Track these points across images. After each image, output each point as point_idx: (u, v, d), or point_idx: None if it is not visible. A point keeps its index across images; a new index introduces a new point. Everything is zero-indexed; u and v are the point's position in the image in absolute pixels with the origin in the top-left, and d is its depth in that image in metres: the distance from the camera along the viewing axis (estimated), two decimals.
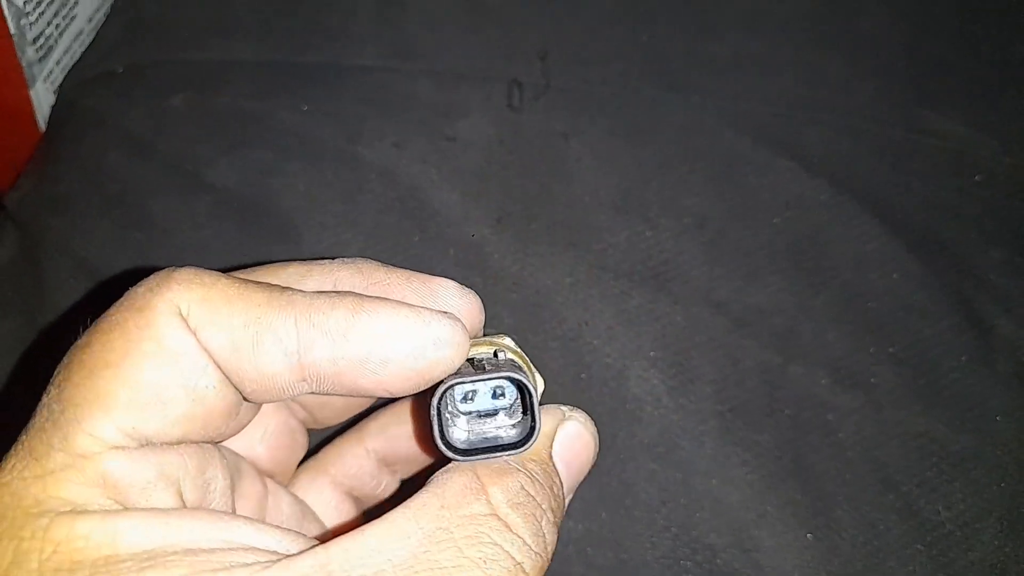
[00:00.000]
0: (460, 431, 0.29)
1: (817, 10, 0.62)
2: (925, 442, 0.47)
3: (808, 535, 0.43)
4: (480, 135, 0.54)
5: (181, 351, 0.25)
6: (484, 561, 0.24)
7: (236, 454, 0.32)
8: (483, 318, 0.32)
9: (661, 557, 0.42)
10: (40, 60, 0.60)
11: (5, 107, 0.61)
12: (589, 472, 0.31)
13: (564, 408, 0.31)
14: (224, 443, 0.30)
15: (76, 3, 0.62)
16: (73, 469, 0.23)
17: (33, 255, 0.51)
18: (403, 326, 0.26)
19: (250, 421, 0.29)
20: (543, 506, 0.26)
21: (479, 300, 0.31)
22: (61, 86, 0.61)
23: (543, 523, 0.26)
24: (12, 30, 0.56)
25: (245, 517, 0.26)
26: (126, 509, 0.23)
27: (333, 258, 0.30)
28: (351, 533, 0.24)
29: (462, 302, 0.30)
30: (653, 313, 0.48)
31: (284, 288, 0.27)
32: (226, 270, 0.27)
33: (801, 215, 0.52)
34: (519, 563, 0.25)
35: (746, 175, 0.53)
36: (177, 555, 0.22)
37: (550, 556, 0.26)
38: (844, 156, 0.55)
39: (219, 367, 0.26)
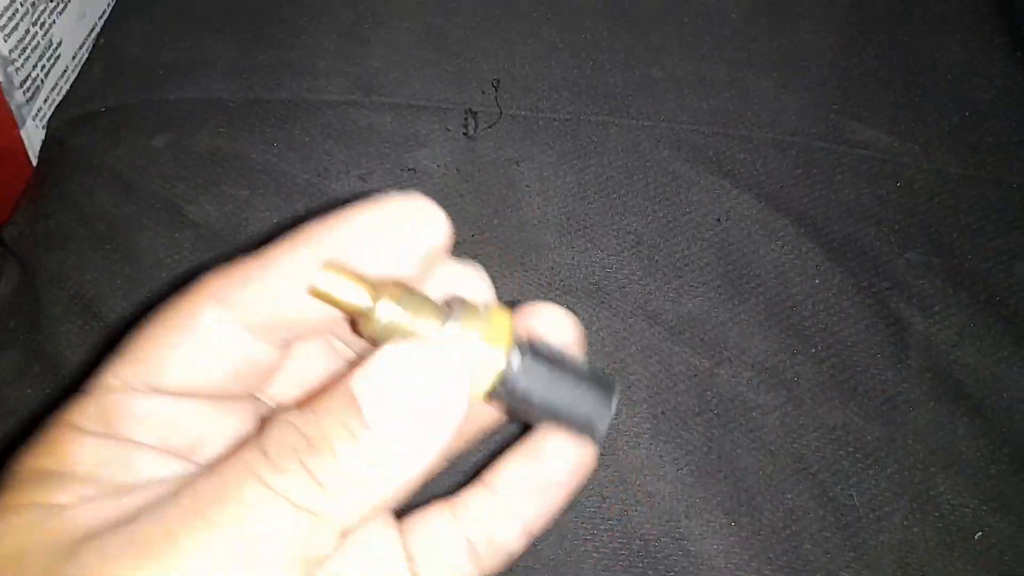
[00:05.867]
0: None
1: (750, 29, 0.66)
2: (841, 433, 0.52)
3: (732, 523, 0.48)
4: (438, 164, 0.58)
5: (199, 320, 0.27)
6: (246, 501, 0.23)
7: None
8: None
9: (601, 547, 0.48)
10: (28, 101, 0.64)
11: None
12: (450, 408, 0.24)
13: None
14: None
15: (60, 44, 0.66)
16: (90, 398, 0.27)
17: (31, 288, 0.56)
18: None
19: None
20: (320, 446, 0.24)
21: None
22: (49, 123, 0.65)
23: (311, 463, 0.24)
24: (0, 78, 0.61)
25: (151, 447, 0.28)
26: (94, 433, 0.27)
27: None
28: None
29: None
30: (594, 325, 0.53)
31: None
32: None
33: (729, 229, 0.57)
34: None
35: (679, 193, 0.58)
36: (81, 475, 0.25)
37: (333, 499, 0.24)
38: (771, 171, 0.59)
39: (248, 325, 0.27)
